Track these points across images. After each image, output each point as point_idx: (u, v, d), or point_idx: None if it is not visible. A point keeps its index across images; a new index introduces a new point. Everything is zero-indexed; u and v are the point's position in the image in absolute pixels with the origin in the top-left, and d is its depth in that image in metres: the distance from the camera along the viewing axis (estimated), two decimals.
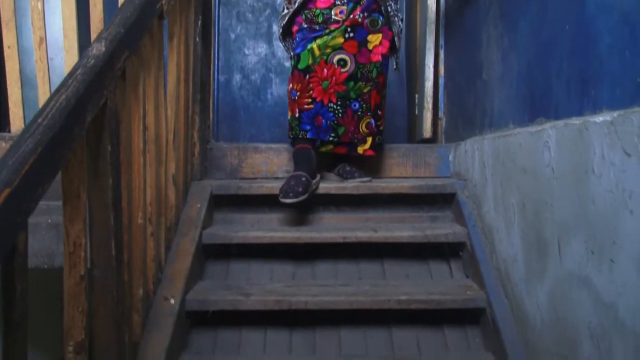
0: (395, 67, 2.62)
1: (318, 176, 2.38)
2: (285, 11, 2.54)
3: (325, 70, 2.39)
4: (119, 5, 1.92)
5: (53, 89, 2.40)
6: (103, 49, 1.37)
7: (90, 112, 1.26)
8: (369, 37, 2.42)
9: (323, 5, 2.46)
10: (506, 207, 1.89)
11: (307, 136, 2.45)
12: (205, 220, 2.21)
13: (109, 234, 1.39)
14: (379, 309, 1.93)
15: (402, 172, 2.68)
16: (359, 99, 2.45)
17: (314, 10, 2.46)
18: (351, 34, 2.40)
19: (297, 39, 2.45)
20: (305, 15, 2.45)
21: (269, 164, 2.62)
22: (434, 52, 3.10)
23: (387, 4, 2.48)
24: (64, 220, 1.25)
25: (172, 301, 1.81)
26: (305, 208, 2.39)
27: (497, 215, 1.99)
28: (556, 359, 1.50)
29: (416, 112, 3.51)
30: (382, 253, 2.27)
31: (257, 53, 4.40)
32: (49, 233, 1.80)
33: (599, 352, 1.27)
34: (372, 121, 2.50)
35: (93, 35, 2.50)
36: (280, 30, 2.57)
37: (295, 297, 1.92)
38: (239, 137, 4.25)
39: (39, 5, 2.48)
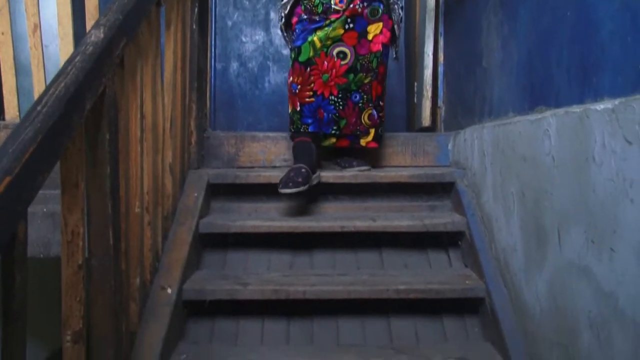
0: (394, 56, 2.59)
1: (318, 171, 2.35)
2: (285, 0, 2.50)
3: (325, 62, 2.36)
4: None
5: (48, 77, 2.40)
6: (102, 35, 1.36)
7: (89, 100, 1.25)
8: (369, 28, 2.39)
9: None
10: (506, 196, 1.88)
11: (309, 130, 2.42)
12: (203, 210, 2.20)
13: (107, 223, 1.38)
14: (377, 298, 1.93)
15: (400, 161, 2.67)
16: (360, 91, 2.42)
17: (314, 0, 2.42)
18: (351, 25, 2.36)
19: (297, 30, 2.40)
20: (305, 6, 2.41)
21: (267, 153, 2.60)
22: (434, 39, 3.08)
23: None
24: (62, 209, 1.25)
25: (169, 291, 1.80)
26: (304, 197, 2.38)
27: (496, 204, 1.98)
28: (556, 348, 1.49)
29: (415, 101, 3.49)
30: (381, 242, 2.26)
31: (254, 40, 4.37)
32: (44, 222, 1.79)
33: (599, 341, 1.27)
34: (374, 112, 2.47)
35: (88, 23, 2.48)
36: (283, 20, 2.50)
37: (293, 287, 1.91)
38: (237, 126, 4.23)
39: None
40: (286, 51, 3.64)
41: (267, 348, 1.86)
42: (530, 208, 1.67)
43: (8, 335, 0.98)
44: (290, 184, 2.14)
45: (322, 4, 2.38)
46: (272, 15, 4.39)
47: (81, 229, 1.27)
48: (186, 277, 1.94)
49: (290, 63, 2.43)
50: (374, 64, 2.41)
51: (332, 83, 2.38)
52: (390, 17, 2.45)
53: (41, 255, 1.78)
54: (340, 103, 2.40)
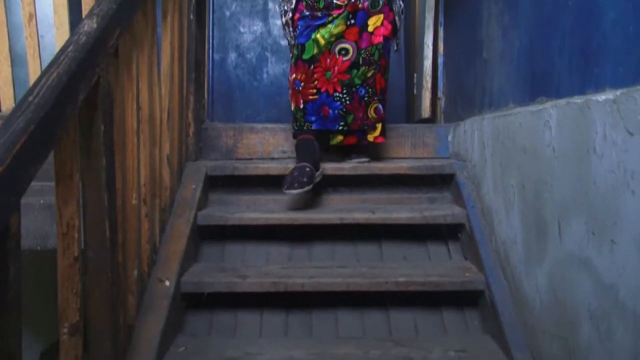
0: (395, 48, 2.56)
1: (321, 168, 2.33)
2: None
3: (328, 60, 2.33)
4: None
5: (44, 67, 2.37)
6: (94, 25, 1.35)
7: (82, 90, 1.24)
8: (370, 20, 2.35)
9: None
10: (506, 188, 1.87)
11: (312, 127, 2.39)
12: (201, 202, 2.19)
13: (103, 215, 1.38)
14: (376, 291, 1.92)
15: (400, 152, 2.65)
16: (364, 84, 2.38)
17: None
18: (352, 21, 2.33)
19: (300, 27, 2.36)
20: (306, 2, 2.36)
21: (265, 145, 2.59)
22: (434, 30, 3.06)
23: None
24: (56, 201, 1.24)
25: (167, 283, 1.80)
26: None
27: (496, 196, 1.97)
28: (555, 341, 1.49)
29: (415, 92, 3.48)
30: (380, 235, 2.25)
31: (252, 31, 4.35)
32: (41, 214, 1.77)
33: (599, 333, 1.26)
34: (380, 106, 2.43)
35: (84, 12, 2.44)
36: (290, 15, 2.41)
37: (292, 279, 1.90)
38: (235, 117, 4.22)
39: None
40: (284, 42, 3.62)
41: (265, 340, 1.85)
42: (530, 200, 1.66)
43: (3, 326, 0.97)
44: (296, 185, 2.14)
45: None
46: (271, 5, 4.36)
47: (77, 221, 1.26)
48: (184, 269, 1.94)
49: (293, 60, 2.39)
50: (376, 57, 2.38)
51: (335, 80, 2.34)
52: (391, 9, 2.41)
53: (38, 248, 1.77)
54: (347, 98, 2.37)
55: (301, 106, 2.38)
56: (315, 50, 2.32)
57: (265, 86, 4.31)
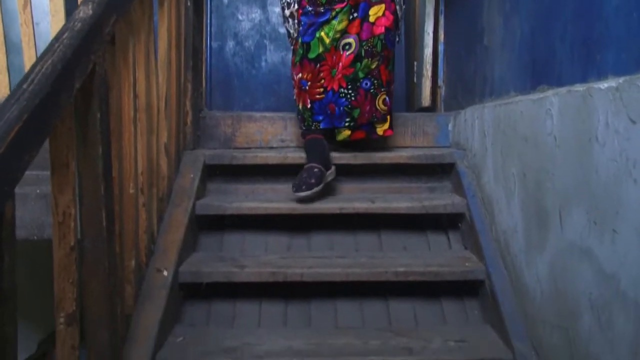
0: (397, 39, 2.52)
1: (333, 167, 2.30)
2: None
3: (334, 57, 2.30)
4: None
5: (39, 55, 2.36)
6: (90, 12, 1.33)
7: (78, 78, 1.23)
8: (371, 10, 2.30)
9: None
10: (506, 177, 1.86)
11: (321, 127, 2.36)
12: (199, 191, 2.18)
13: (100, 204, 1.36)
14: (375, 281, 1.91)
15: (400, 141, 2.63)
16: (369, 77, 2.33)
17: None
18: (355, 14, 2.29)
19: (303, 24, 2.30)
20: None
21: (264, 133, 2.57)
22: (434, 17, 3.03)
23: None
24: (52, 189, 1.23)
25: (165, 273, 1.79)
26: None
27: (497, 185, 1.96)
28: (556, 331, 1.48)
29: (415, 80, 3.45)
30: (380, 224, 2.24)
31: (250, 19, 4.31)
32: (37, 203, 1.76)
33: (600, 323, 1.26)
34: (387, 98, 2.37)
35: None
36: (295, 7, 2.36)
37: (291, 269, 1.89)
38: (233, 106, 4.19)
39: None
40: (283, 29, 3.58)
41: (264, 330, 1.85)
42: (531, 189, 1.65)
43: None
44: (304, 187, 2.12)
45: None
46: None
47: (73, 210, 1.25)
48: (182, 259, 1.93)
49: (298, 59, 2.33)
50: (379, 48, 2.32)
51: (340, 76, 2.30)
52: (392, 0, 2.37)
53: (35, 237, 1.76)
54: (352, 94, 2.32)
55: (308, 106, 2.34)
56: (321, 49, 2.28)
57: (263, 74, 4.29)
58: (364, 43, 2.30)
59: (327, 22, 2.28)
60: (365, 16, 2.30)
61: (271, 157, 2.33)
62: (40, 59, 1.15)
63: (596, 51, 1.34)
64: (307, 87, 2.33)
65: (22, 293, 1.03)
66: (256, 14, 4.31)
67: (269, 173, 2.35)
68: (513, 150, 1.81)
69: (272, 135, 2.58)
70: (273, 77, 4.24)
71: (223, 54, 4.28)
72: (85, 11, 1.32)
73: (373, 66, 2.33)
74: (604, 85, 1.24)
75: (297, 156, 2.37)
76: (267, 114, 2.63)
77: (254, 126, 2.57)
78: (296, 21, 2.36)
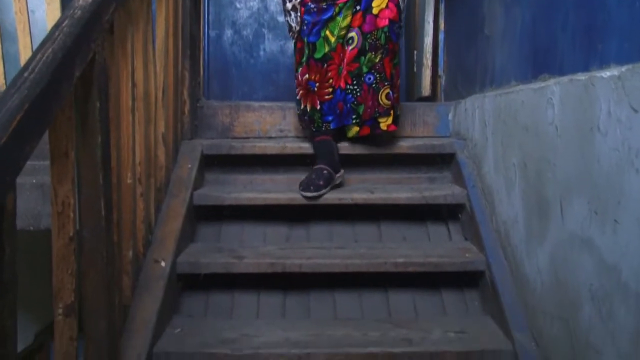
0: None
1: (341, 171, 2.28)
2: None
3: (341, 54, 2.27)
4: None
5: (34, 43, 2.34)
6: None
7: (78, 66, 1.22)
8: (374, 2, 2.25)
9: None
10: (507, 167, 1.84)
11: (331, 127, 2.33)
12: (197, 181, 2.17)
13: (98, 194, 1.35)
14: (375, 271, 1.91)
15: (399, 131, 2.60)
16: (372, 71, 2.28)
17: None
18: (358, 7, 2.24)
19: (307, 23, 2.25)
20: None
21: (262, 123, 2.55)
22: (434, 6, 3.01)
23: None
24: (51, 180, 1.22)
25: (163, 264, 1.78)
26: (300, 169, 2.34)
27: (497, 175, 1.94)
28: (556, 322, 1.47)
29: (415, 70, 3.43)
30: (379, 215, 2.23)
31: (248, 7, 4.28)
32: (34, 194, 1.75)
33: (600, 314, 1.25)
34: (391, 92, 2.31)
35: None
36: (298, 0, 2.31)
37: (290, 260, 1.89)
38: (231, 95, 4.18)
39: None
40: (281, 18, 3.56)
41: (263, 322, 1.84)
42: (532, 179, 1.64)
43: None
44: (312, 187, 2.11)
45: None
46: None
47: (72, 200, 1.24)
48: (180, 250, 1.92)
49: (304, 59, 2.28)
50: (383, 40, 2.26)
51: (345, 72, 2.27)
52: None
53: (31, 228, 1.75)
54: (357, 89, 2.29)
55: (318, 107, 2.31)
56: (327, 49, 2.24)
57: (262, 63, 4.27)
58: (367, 36, 2.25)
59: (332, 19, 2.23)
60: (368, 8, 2.25)
61: (270, 147, 2.31)
62: (40, 47, 1.14)
63: (598, 40, 1.32)
64: (315, 89, 2.29)
65: (20, 284, 1.02)
66: (254, 2, 4.28)
67: (268, 163, 2.34)
68: (514, 140, 1.79)
69: (271, 125, 2.56)
70: (272, 66, 4.22)
71: (221, 43, 4.26)
72: None
73: (377, 60, 2.27)
74: (606, 74, 1.23)
75: (295, 146, 2.36)
76: (266, 104, 2.61)
77: (252, 116, 2.55)
78: (299, 14, 2.30)
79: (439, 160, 2.40)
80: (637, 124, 1.11)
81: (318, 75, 2.27)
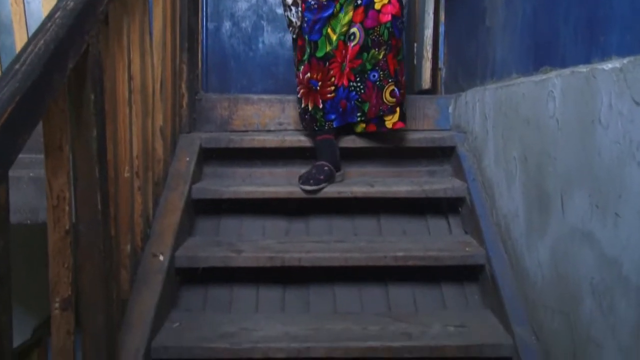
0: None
1: (343, 169, 2.27)
2: None
3: (343, 51, 2.25)
4: None
5: (31, 34, 2.32)
6: None
7: (71, 58, 1.20)
8: None
9: None
10: (507, 161, 1.83)
11: (334, 126, 2.31)
12: (195, 175, 2.16)
13: (94, 188, 1.34)
14: (375, 265, 1.90)
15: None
16: (376, 68, 2.24)
17: None
18: (358, 2, 2.22)
19: (308, 21, 2.23)
20: None
21: (261, 116, 2.54)
22: None
23: None
24: (46, 173, 1.21)
25: (161, 258, 1.78)
26: (299, 163, 2.33)
27: (498, 168, 1.94)
28: (557, 316, 1.47)
29: (415, 62, 3.42)
30: (379, 208, 2.22)
31: None
32: (30, 187, 1.74)
33: (601, 308, 1.24)
34: (396, 89, 2.27)
35: None
36: None
37: (289, 254, 1.88)
38: (230, 88, 4.16)
39: None
40: (280, 10, 3.54)
41: (262, 316, 1.83)
42: (532, 172, 1.63)
43: None
44: (311, 181, 2.10)
45: None
46: None
47: (67, 194, 1.23)
48: (178, 244, 1.91)
49: (306, 57, 2.26)
50: (386, 36, 2.23)
51: (348, 69, 2.25)
52: None
53: (28, 222, 1.74)
54: (361, 87, 2.26)
55: (320, 106, 2.29)
56: (328, 47, 2.23)
57: (261, 56, 4.25)
58: (370, 32, 2.22)
59: (333, 16, 2.21)
60: (370, 3, 2.21)
61: (269, 140, 2.30)
62: (32, 39, 1.12)
63: (600, 32, 1.31)
64: (317, 88, 2.27)
65: (19, 278, 1.01)
66: None
67: (267, 156, 2.33)
68: (514, 133, 1.78)
69: (270, 118, 2.55)
70: (271, 59, 4.20)
71: (219, 35, 4.24)
72: None
73: (380, 56, 2.24)
74: (607, 66, 1.22)
75: (295, 139, 2.35)
76: (265, 97, 2.60)
77: (251, 109, 2.54)
78: (299, 9, 2.27)
79: (439, 154, 2.39)
80: (638, 117, 1.10)
81: (320, 74, 2.25)
